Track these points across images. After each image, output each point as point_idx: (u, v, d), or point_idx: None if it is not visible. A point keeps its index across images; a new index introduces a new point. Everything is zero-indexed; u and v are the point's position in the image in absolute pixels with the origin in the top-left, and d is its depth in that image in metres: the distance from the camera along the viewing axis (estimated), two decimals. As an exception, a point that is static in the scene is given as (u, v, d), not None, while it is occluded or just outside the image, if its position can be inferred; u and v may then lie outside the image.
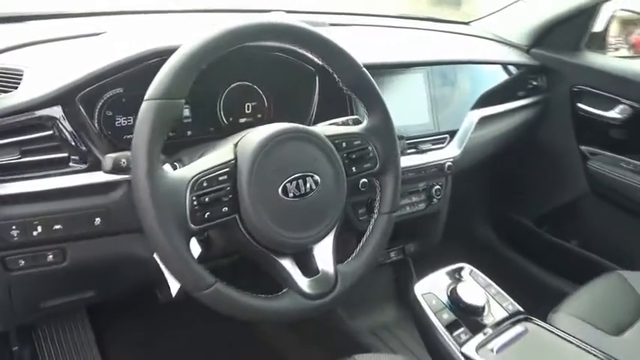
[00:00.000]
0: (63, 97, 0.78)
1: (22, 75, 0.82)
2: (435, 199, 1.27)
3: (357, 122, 0.91)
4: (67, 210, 0.81)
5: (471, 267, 1.02)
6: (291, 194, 0.72)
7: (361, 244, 0.85)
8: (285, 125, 0.75)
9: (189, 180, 0.65)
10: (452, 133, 1.28)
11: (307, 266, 0.78)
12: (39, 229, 0.80)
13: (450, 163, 1.23)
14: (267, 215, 0.70)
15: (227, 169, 0.69)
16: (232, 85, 1.06)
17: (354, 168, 0.82)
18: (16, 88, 0.80)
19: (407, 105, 1.22)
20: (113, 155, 0.71)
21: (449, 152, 1.25)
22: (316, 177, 0.75)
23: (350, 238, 0.98)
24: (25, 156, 0.78)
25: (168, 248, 0.63)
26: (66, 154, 0.80)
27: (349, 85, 0.82)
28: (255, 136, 0.72)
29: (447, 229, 1.39)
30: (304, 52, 1.01)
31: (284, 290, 0.75)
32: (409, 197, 1.24)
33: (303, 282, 0.76)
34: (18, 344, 1.09)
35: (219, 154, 0.71)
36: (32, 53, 0.88)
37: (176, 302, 1.22)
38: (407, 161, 1.18)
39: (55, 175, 0.80)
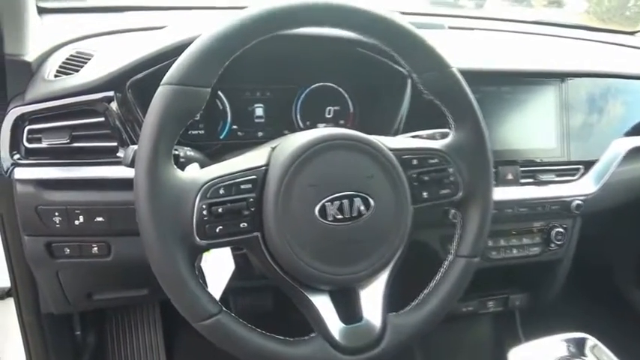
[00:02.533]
0: (114, 83, 0.74)
1: (89, 59, 0.80)
2: (554, 244, 1.01)
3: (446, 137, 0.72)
4: (110, 203, 0.76)
5: (596, 340, 0.81)
6: (330, 217, 0.57)
7: (426, 290, 0.66)
8: (334, 130, 0.60)
9: (203, 184, 0.54)
10: (587, 165, 1.01)
11: (348, 309, 0.61)
12: (81, 218, 0.76)
13: (579, 202, 0.96)
14: (295, 240, 0.56)
15: (254, 177, 0.56)
16: (313, 86, 0.95)
17: (425, 193, 0.63)
18: (78, 68, 0.77)
19: (528, 124, 0.99)
20: (135, 147, 0.64)
21: (581, 188, 0.99)
22: (368, 199, 0.59)
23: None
24: (75, 141, 0.75)
25: (162, 263, 0.53)
26: (115, 144, 0.75)
27: (431, 87, 0.64)
28: (295, 139, 0.59)
29: (570, 283, 1.11)
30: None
31: (312, 335, 0.60)
32: (519, 238, 1.00)
33: (337, 328, 0.60)
34: (81, 329, 1.10)
35: (248, 158, 0.59)
36: (106, 41, 0.87)
37: (250, 313, 1.16)
38: (519, 193, 0.95)
39: (101, 164, 0.75)
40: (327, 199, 0.57)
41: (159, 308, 1.27)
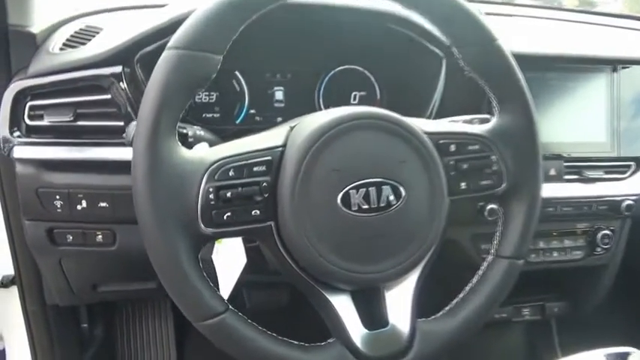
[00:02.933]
0: (122, 56, 0.68)
1: (97, 33, 0.74)
2: (600, 249, 0.91)
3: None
4: (115, 187, 0.70)
5: (642, 355, 0.71)
6: (355, 207, 0.49)
7: (462, 295, 0.58)
8: (362, 108, 0.53)
9: (210, 164, 0.47)
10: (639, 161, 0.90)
11: (371, 313, 0.54)
12: (83, 203, 0.70)
13: (630, 202, 0.87)
14: (314, 231, 0.49)
15: (268, 158, 0.49)
16: (338, 69, 0.88)
17: (463, 184, 0.55)
18: (85, 42, 0.72)
19: (574, 115, 0.89)
20: None
21: (632, 186, 0.89)
22: (399, 187, 0.51)
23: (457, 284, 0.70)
24: (79, 120, 0.69)
25: (160, 252, 0.47)
26: (121, 123, 0.69)
27: (473, 63, 0.56)
28: (317, 118, 0.51)
29: (615, 291, 1.01)
30: (430, 29, 0.78)
31: (330, 340, 0.53)
32: (560, 240, 0.91)
33: (359, 334, 0.52)
34: (88, 321, 1.05)
35: (264, 137, 0.52)
36: (117, 17, 0.81)
37: (264, 309, 1.09)
38: (563, 190, 0.86)
39: (106, 145, 0.70)
40: (352, 185, 0.50)
41: (170, 302, 1.22)
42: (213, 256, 0.66)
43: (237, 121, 0.85)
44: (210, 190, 0.47)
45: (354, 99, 0.89)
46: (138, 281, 0.88)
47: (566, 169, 0.87)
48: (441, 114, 0.79)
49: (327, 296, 0.52)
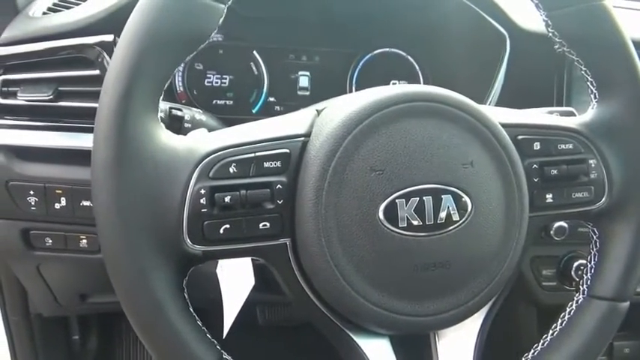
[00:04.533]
0: (114, 22, 0.55)
1: None
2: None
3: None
4: None
5: None
6: (403, 223, 0.35)
7: (538, 347, 0.43)
8: (414, 87, 0.38)
9: (203, 156, 0.34)
10: None
11: (418, 366, 0.40)
12: (63, 201, 0.58)
13: None
14: (345, 255, 0.35)
15: (286, 151, 0.35)
16: (375, 52, 0.74)
17: (549, 196, 0.41)
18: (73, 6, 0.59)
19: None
20: None
21: None
22: (464, 198, 0.37)
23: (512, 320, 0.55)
24: (60, 99, 0.56)
25: (126, 280, 0.33)
26: None
27: (567, 31, 0.41)
28: (353, 100, 0.37)
29: None
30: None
31: None
32: None
33: (401, 397, 0.38)
34: (80, 333, 0.93)
35: (281, 122, 0.38)
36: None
37: (280, 326, 0.96)
38: None
39: (91, 130, 0.56)
40: (399, 193, 0.35)
41: None
42: (218, 271, 0.54)
43: (254, 111, 0.72)
44: (202, 192, 0.34)
45: (393, 88, 0.75)
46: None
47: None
48: (504, 105, 0.64)
49: (357, 341, 0.38)
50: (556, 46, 0.42)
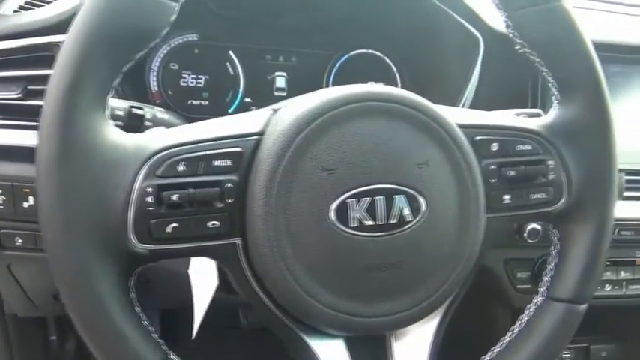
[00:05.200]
0: None
1: None
2: (664, 284, 0.74)
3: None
4: None
5: None
6: (354, 223, 0.35)
7: (497, 348, 0.43)
8: (369, 87, 0.38)
9: (151, 154, 0.34)
10: None
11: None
12: (31, 200, 0.57)
13: None
14: (296, 256, 0.35)
15: (237, 149, 0.35)
16: (352, 53, 0.74)
17: (507, 197, 0.40)
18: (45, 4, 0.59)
19: (636, 121, 0.73)
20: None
21: None
22: (418, 198, 0.36)
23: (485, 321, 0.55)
24: (29, 97, 0.56)
25: (70, 280, 0.33)
26: None
27: (527, 33, 0.41)
28: (308, 99, 0.37)
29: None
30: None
31: None
32: (615, 271, 0.75)
33: (354, 399, 0.38)
34: (57, 334, 0.92)
35: (235, 121, 0.38)
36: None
37: (264, 328, 0.95)
38: (621, 210, 0.69)
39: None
40: (351, 193, 0.35)
41: (158, 316, 1.09)
42: (190, 271, 0.53)
43: (230, 111, 0.72)
44: (149, 190, 0.33)
45: (370, 90, 0.75)
46: None
47: (627, 184, 0.71)
48: (478, 106, 0.64)
49: (310, 343, 0.38)
50: (517, 47, 0.42)
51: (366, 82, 0.75)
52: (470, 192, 0.38)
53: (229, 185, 0.35)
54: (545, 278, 0.44)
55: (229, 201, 0.35)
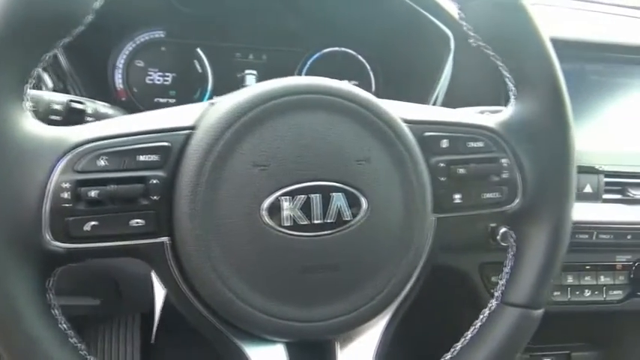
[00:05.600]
0: None
1: None
2: (646, 289, 0.72)
3: None
4: None
5: None
6: (288, 222, 0.33)
7: (453, 351, 0.41)
8: (306, 79, 0.36)
9: (70, 147, 0.32)
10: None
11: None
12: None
13: (688, 232, 0.68)
14: (225, 257, 0.33)
15: (165, 144, 0.34)
16: (325, 51, 0.72)
17: (458, 196, 0.38)
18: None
19: (619, 118, 0.71)
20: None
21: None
22: (358, 196, 0.35)
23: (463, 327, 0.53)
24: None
25: None
26: None
27: (482, 26, 0.39)
28: (243, 91, 0.35)
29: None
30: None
31: None
32: (595, 276, 0.73)
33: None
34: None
35: (167, 114, 0.36)
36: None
37: None
38: (600, 212, 0.68)
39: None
40: (285, 190, 0.33)
41: (139, 321, 1.07)
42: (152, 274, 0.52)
43: (198, 109, 0.70)
44: (66, 185, 0.32)
45: (344, 88, 0.73)
46: (76, 296, 0.74)
47: (607, 186, 0.69)
48: (452, 104, 0.62)
49: (246, 350, 0.36)
50: (470, 41, 0.40)
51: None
52: (415, 190, 0.36)
53: (155, 181, 0.33)
54: (501, 282, 0.42)
55: (155, 198, 0.33)
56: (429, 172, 0.37)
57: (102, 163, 0.32)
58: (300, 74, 0.72)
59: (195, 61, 0.69)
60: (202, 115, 0.35)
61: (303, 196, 0.34)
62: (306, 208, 0.34)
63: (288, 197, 0.33)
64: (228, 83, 0.71)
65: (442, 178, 0.38)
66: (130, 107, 0.67)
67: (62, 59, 0.55)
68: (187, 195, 0.33)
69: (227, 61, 0.71)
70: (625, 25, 0.81)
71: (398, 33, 0.67)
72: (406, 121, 0.37)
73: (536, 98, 0.40)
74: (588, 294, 0.72)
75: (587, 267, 0.71)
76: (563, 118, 0.39)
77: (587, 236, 0.68)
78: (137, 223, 0.33)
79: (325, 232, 0.34)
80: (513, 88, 0.41)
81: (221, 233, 0.33)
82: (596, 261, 0.71)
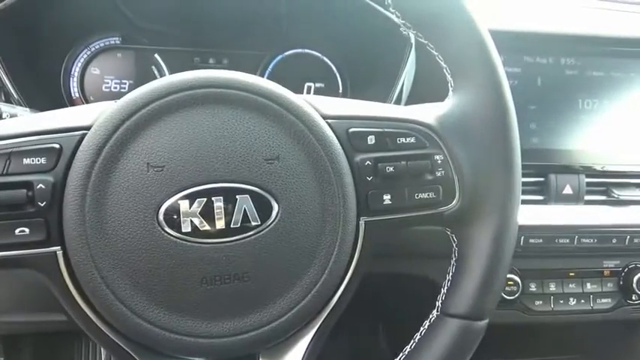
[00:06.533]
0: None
1: None
2: (636, 296, 0.67)
3: None
4: None
5: None
6: (186, 228, 0.30)
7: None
8: (208, 72, 0.33)
9: None
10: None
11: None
12: None
13: (679, 234, 0.63)
14: (117, 268, 0.30)
15: (54, 145, 0.31)
16: (287, 53, 0.70)
17: (387, 197, 0.35)
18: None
19: (599, 114, 0.67)
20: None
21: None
22: (268, 199, 0.32)
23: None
24: None
25: None
26: None
27: (409, 10, 0.36)
28: (143, 86, 0.33)
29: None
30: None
31: None
32: (580, 283, 0.68)
33: None
34: (4, 355, 0.89)
35: (63, 114, 0.34)
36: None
37: None
38: (583, 215, 0.65)
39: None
40: (183, 194, 0.31)
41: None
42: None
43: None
44: None
45: (309, 92, 0.71)
46: (41, 311, 0.71)
47: (589, 186, 0.65)
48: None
49: None
50: (401, 29, 0.37)
51: (303, 84, 0.71)
52: (334, 191, 0.33)
53: (41, 186, 0.30)
54: (443, 290, 0.38)
55: (42, 204, 0.31)
56: (354, 171, 0.34)
57: None
58: (263, 75, 0.69)
59: (153, 67, 0.67)
60: (100, 115, 0.33)
61: (203, 199, 0.31)
62: (208, 212, 0.31)
63: (187, 201, 0.31)
64: (189, 89, 0.68)
65: (369, 178, 0.35)
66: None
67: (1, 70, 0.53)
68: (74, 200, 0.30)
69: (186, 66, 0.68)
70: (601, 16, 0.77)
71: (359, 31, 0.64)
72: (328, 117, 0.34)
73: (472, 89, 0.36)
74: (573, 302, 0.67)
75: (571, 274, 0.67)
76: (502, 110, 0.36)
77: (567, 240, 0.63)
78: (22, 231, 0.30)
79: (230, 239, 0.31)
80: (450, 79, 0.37)
81: (112, 241, 0.30)
82: (580, 267, 0.67)
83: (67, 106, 0.64)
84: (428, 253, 0.59)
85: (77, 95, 0.66)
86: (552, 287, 0.66)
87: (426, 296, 0.69)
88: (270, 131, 0.32)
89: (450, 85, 0.38)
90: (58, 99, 0.65)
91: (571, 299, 0.67)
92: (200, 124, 0.32)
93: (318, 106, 0.34)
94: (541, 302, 0.65)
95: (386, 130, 0.35)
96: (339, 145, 0.34)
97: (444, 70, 0.38)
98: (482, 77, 0.36)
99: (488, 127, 0.36)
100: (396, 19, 0.37)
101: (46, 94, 0.63)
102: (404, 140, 0.36)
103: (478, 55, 0.36)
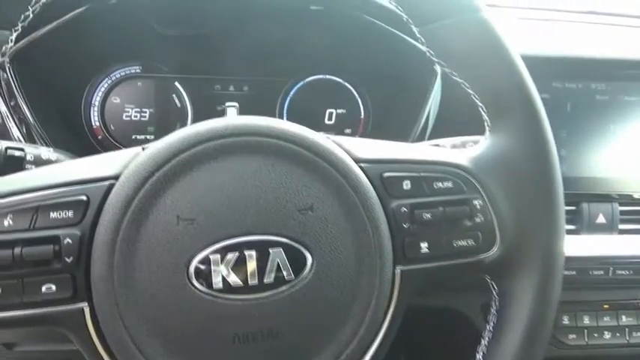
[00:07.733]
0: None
1: None
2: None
3: None
4: None
5: None
6: (218, 284, 0.29)
7: None
8: (241, 119, 0.32)
9: None
10: None
11: None
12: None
13: None
14: (147, 326, 0.29)
15: (81, 198, 0.30)
16: (309, 79, 0.69)
17: (424, 244, 0.33)
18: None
19: (632, 141, 0.65)
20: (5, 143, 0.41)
21: None
22: (302, 252, 0.30)
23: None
24: None
25: None
26: None
27: (444, 50, 0.35)
28: (173, 134, 0.32)
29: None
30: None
31: None
32: (614, 316, 0.66)
33: None
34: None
35: (89, 163, 0.33)
36: None
37: None
38: (617, 245, 0.62)
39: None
40: (214, 248, 0.29)
41: None
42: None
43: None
44: None
45: (330, 118, 0.70)
46: (53, 342, 0.71)
47: (623, 215, 0.62)
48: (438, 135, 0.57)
49: None
50: (434, 67, 0.36)
51: (325, 110, 0.70)
52: (370, 240, 0.31)
53: (68, 241, 0.29)
54: (483, 342, 0.36)
55: (69, 260, 0.29)
56: (390, 219, 0.33)
57: (8, 222, 0.29)
58: (283, 104, 0.68)
59: (174, 95, 0.67)
60: (128, 163, 0.32)
61: (235, 253, 0.29)
62: (240, 267, 0.29)
63: (218, 255, 0.29)
64: (209, 117, 0.67)
65: (405, 225, 0.33)
66: (107, 145, 0.65)
67: (23, 105, 0.53)
68: (103, 255, 0.29)
69: (207, 94, 0.68)
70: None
71: (383, 58, 0.63)
72: (360, 161, 0.33)
73: (512, 130, 0.35)
74: (608, 336, 0.64)
75: (606, 306, 0.64)
76: (543, 150, 0.34)
77: (602, 272, 0.61)
78: (49, 288, 0.29)
79: (263, 295, 0.30)
80: (487, 118, 0.36)
81: (140, 299, 0.29)
82: (615, 299, 0.64)
83: (87, 136, 0.65)
84: (452, 285, 0.57)
85: (98, 124, 0.65)
86: (586, 320, 0.64)
87: (448, 327, 0.67)
88: (303, 180, 0.31)
89: (486, 124, 0.36)
90: (79, 129, 0.64)
91: (606, 332, 0.64)
92: (230, 174, 0.30)
93: (350, 149, 0.33)
94: (574, 336, 0.63)
95: (422, 174, 0.34)
96: (373, 191, 0.32)
97: (480, 110, 0.36)
98: (523, 119, 0.34)
99: (530, 171, 0.34)
100: (429, 56, 0.36)
101: (67, 124, 0.62)
102: (441, 185, 0.34)
103: (518, 94, 0.34)
